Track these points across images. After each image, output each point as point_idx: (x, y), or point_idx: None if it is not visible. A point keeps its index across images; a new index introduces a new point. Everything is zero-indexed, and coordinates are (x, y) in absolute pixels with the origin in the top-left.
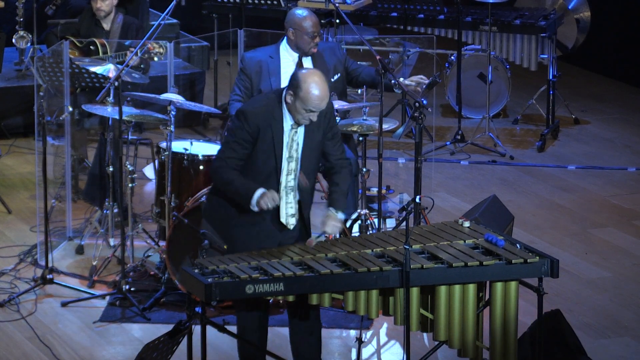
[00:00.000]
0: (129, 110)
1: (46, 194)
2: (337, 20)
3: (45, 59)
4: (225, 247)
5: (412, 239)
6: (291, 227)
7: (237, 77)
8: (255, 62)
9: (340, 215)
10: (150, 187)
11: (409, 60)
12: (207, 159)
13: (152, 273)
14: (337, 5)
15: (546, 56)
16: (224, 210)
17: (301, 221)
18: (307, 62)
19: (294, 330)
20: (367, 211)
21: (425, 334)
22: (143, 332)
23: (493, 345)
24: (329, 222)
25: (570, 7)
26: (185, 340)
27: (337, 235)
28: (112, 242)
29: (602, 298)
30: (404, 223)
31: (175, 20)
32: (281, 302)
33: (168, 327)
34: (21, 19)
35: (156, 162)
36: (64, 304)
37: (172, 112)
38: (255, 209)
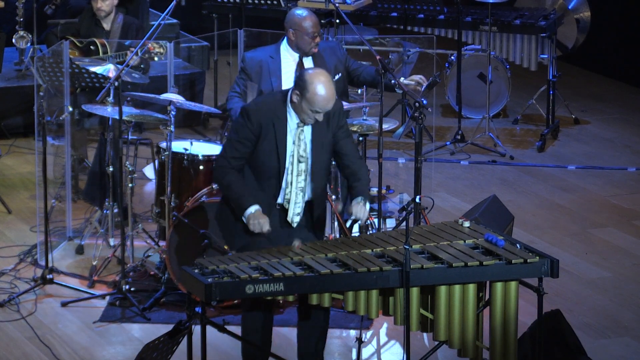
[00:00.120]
0: (129, 110)
1: (46, 194)
2: (337, 20)
3: (45, 59)
4: (225, 247)
5: (412, 239)
6: (295, 225)
7: (238, 76)
8: (256, 62)
9: (367, 204)
10: (150, 187)
11: (409, 60)
12: (207, 159)
13: (152, 273)
14: (337, 5)
15: (546, 56)
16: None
17: (310, 222)
18: (308, 62)
19: (302, 328)
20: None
21: (425, 334)
22: (143, 332)
23: (493, 345)
24: (358, 208)
25: (570, 7)
26: (185, 340)
27: (365, 221)
28: (112, 242)
29: (602, 298)
30: (404, 223)
31: (175, 20)
32: (281, 302)
33: (168, 327)
34: (21, 19)
35: (156, 162)
36: (64, 304)
37: (172, 112)
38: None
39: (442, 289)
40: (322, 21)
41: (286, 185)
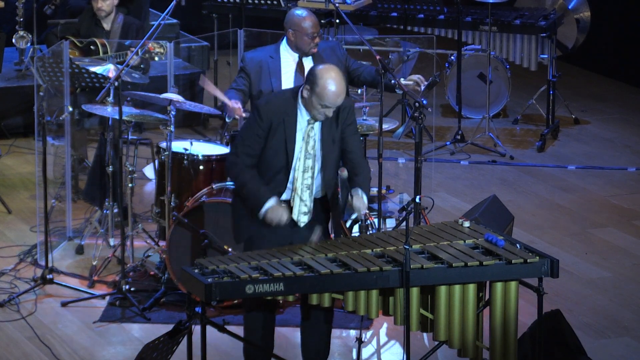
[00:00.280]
0: (129, 110)
1: (46, 194)
2: (337, 20)
3: (45, 59)
4: (225, 247)
5: (412, 239)
6: (302, 224)
7: (237, 75)
8: (255, 62)
9: (365, 197)
10: (150, 187)
11: (408, 60)
12: (207, 159)
13: (152, 273)
14: (337, 5)
15: (546, 56)
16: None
17: (320, 218)
18: (308, 62)
19: (305, 328)
20: (367, 211)
21: (425, 334)
22: (143, 332)
23: (493, 345)
24: (357, 199)
25: (570, 7)
26: (185, 340)
27: (362, 215)
28: (112, 242)
29: (602, 298)
30: (404, 223)
31: (175, 20)
32: (281, 302)
33: (168, 327)
34: (21, 19)
35: (156, 162)
36: (64, 304)
37: (172, 112)
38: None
39: (442, 289)
40: (322, 21)
41: (292, 182)
